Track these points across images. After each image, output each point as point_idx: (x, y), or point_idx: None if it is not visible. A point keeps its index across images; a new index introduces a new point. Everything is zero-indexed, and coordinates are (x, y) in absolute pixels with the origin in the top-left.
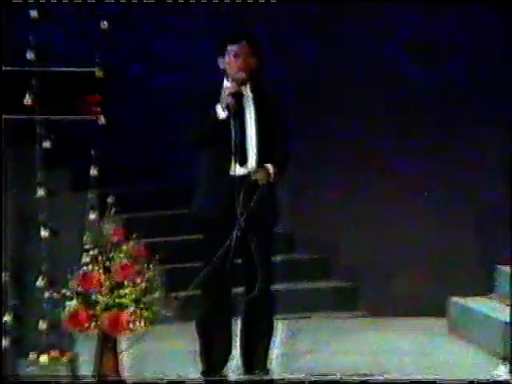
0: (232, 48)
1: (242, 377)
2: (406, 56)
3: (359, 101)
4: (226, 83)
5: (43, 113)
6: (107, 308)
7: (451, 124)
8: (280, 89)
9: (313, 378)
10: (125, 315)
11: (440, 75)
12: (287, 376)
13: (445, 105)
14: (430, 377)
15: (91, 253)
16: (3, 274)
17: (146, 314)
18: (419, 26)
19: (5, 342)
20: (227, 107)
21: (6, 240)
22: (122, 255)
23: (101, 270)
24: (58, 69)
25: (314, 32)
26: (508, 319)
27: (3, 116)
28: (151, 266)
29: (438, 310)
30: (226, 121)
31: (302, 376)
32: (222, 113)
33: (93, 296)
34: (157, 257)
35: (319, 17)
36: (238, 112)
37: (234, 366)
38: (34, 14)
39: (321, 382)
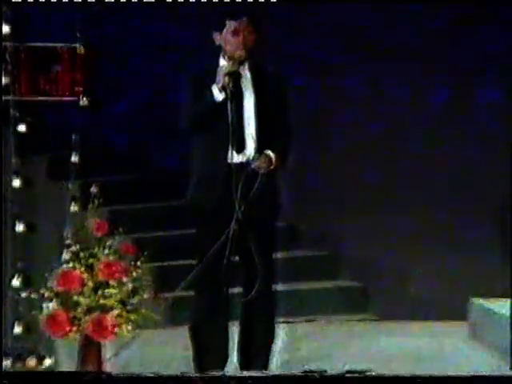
0: (231, 23)
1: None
2: None
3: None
4: (223, 62)
5: (18, 93)
6: (90, 310)
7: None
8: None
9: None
10: (110, 318)
11: None
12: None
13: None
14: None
15: (72, 249)
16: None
17: (133, 316)
18: None
19: None
20: (223, 88)
21: None
22: (106, 252)
23: (83, 268)
24: (34, 44)
25: None
26: None
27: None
28: (139, 263)
29: (456, 312)
30: (223, 103)
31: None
32: (218, 95)
33: (74, 297)
34: (145, 253)
35: None
36: (235, 94)
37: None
38: None
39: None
